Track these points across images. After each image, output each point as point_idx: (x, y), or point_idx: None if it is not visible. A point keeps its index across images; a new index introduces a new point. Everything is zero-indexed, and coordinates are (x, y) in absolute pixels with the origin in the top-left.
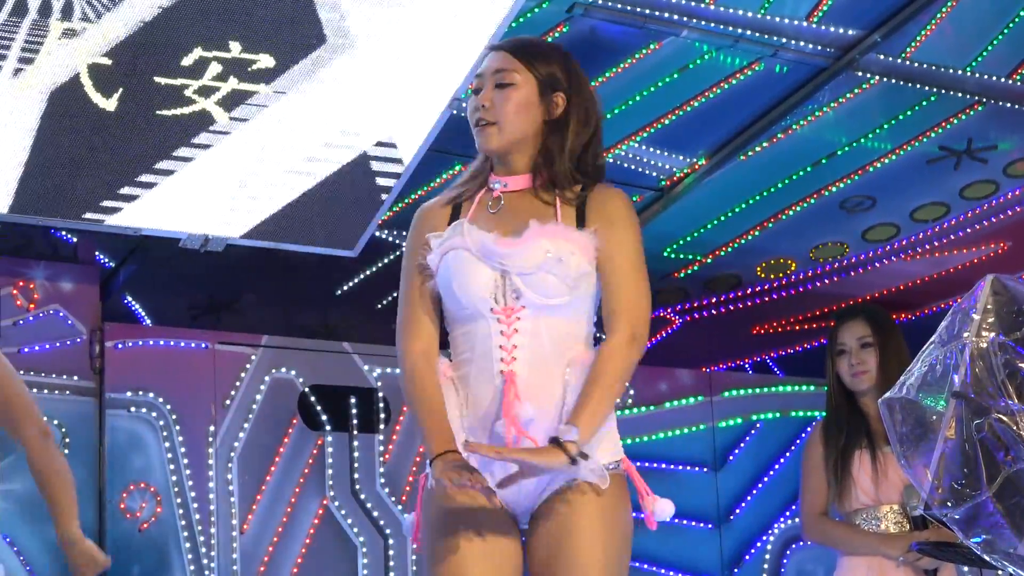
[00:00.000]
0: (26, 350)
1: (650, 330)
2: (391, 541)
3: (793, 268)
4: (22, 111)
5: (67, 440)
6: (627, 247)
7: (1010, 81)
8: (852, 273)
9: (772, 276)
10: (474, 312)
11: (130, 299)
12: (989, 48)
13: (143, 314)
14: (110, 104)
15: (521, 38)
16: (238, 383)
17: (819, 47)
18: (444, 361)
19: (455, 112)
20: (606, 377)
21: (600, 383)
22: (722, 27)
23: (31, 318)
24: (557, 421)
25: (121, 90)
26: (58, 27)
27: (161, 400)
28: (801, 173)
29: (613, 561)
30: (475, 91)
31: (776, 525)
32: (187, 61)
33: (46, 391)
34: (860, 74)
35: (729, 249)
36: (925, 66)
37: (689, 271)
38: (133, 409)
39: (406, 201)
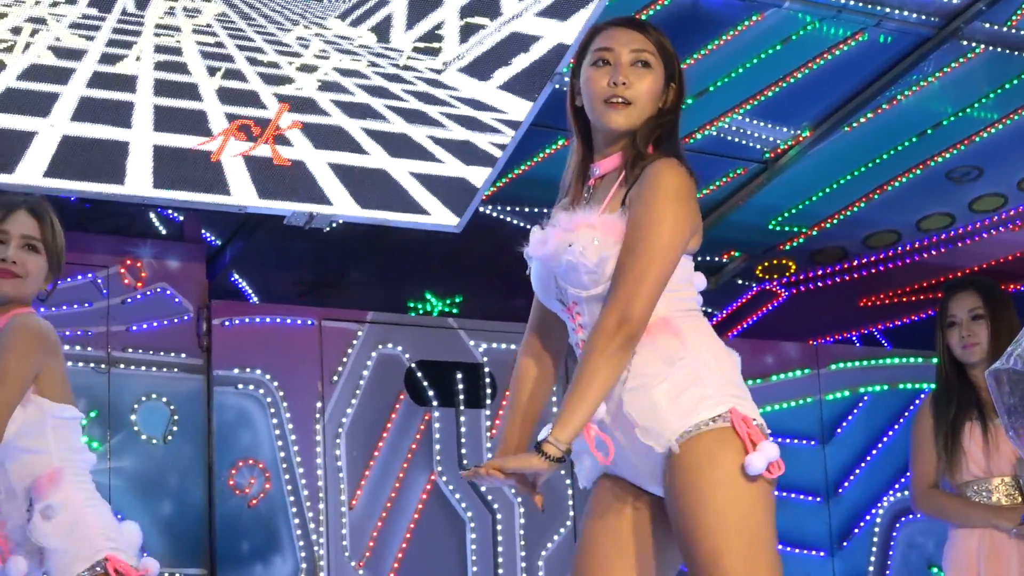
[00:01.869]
0: (134, 328)
1: (756, 303)
2: (499, 516)
3: (900, 239)
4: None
5: (176, 418)
6: (641, 221)
7: None
8: (959, 244)
9: (878, 248)
10: (560, 315)
11: (237, 277)
12: None
13: (250, 292)
14: (214, 83)
15: (643, 20)
16: (345, 359)
17: (923, 16)
18: None
19: (557, 87)
20: (586, 367)
21: (580, 375)
22: None
23: (139, 296)
24: (620, 406)
25: (224, 67)
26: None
27: (268, 377)
28: (906, 144)
29: (723, 516)
30: (598, 63)
31: (885, 498)
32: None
33: (154, 368)
34: (965, 43)
35: (834, 221)
36: None
37: (794, 243)
38: (241, 386)
39: (509, 176)
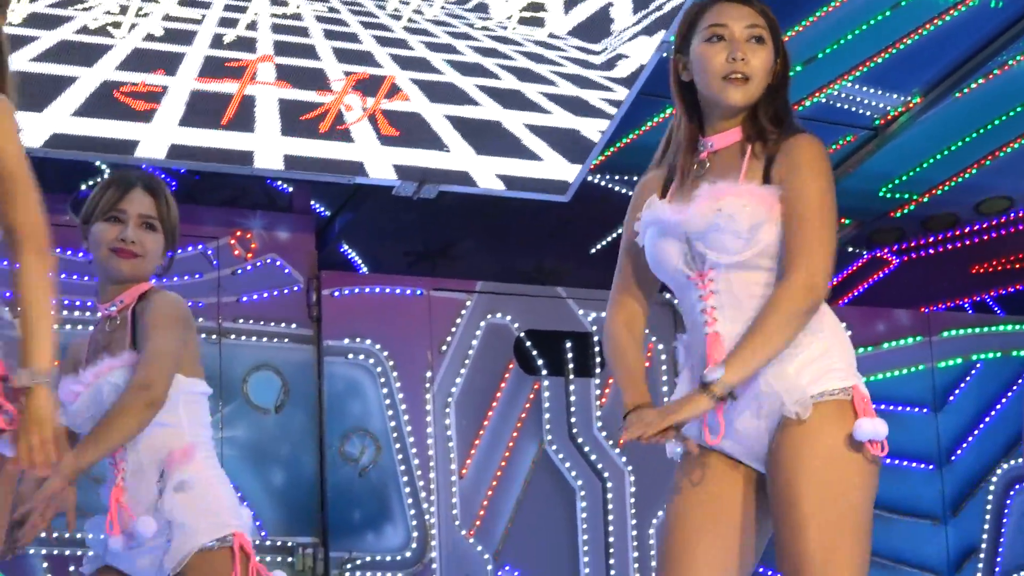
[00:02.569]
0: (245, 299)
1: (868, 270)
2: (609, 484)
3: (1012, 205)
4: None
5: (287, 388)
6: (807, 193)
7: None
8: None
9: (990, 214)
10: (677, 283)
11: (346, 247)
12: None
13: (359, 262)
14: (331, 44)
15: None
16: (454, 329)
17: None
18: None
19: (664, 55)
20: (771, 319)
21: (763, 325)
22: None
23: (249, 267)
24: (756, 377)
25: (339, 29)
26: None
27: (378, 347)
28: (1018, 109)
29: (821, 485)
30: (712, 39)
31: (998, 466)
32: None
33: (265, 339)
34: None
35: (946, 187)
36: None
37: (905, 210)
38: (351, 356)
39: (617, 146)
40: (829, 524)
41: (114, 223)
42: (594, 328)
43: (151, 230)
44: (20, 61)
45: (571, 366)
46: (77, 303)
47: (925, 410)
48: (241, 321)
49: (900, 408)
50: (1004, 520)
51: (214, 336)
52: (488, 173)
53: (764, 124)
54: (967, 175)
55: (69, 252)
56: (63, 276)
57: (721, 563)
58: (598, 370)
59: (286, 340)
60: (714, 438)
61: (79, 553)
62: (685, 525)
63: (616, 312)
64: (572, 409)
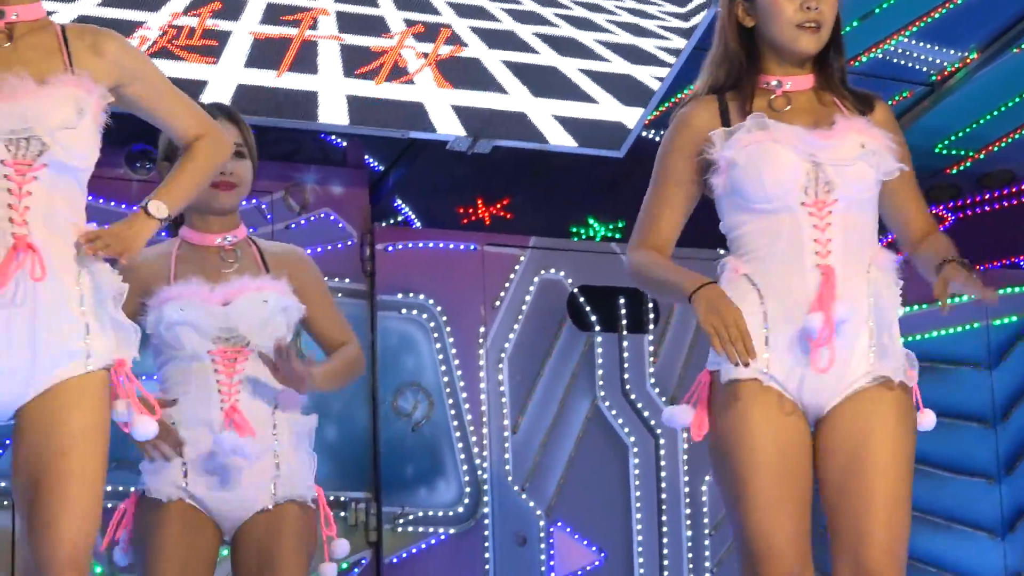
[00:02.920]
0: None
1: None
2: (662, 441)
3: None
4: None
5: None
6: (908, 159)
7: None
8: None
9: None
10: (780, 206)
11: (400, 202)
12: None
13: (413, 217)
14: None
15: None
16: (507, 284)
17: None
18: (731, 258)
19: (720, 10)
20: (944, 239)
21: (943, 240)
22: None
23: (303, 222)
24: (862, 325)
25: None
26: None
27: (431, 302)
28: None
29: (909, 460)
30: None
31: None
32: None
33: None
34: None
35: (1003, 144)
36: None
37: (961, 167)
38: (404, 311)
39: (671, 101)
40: (902, 498)
41: None
42: None
43: (241, 158)
44: (88, 6)
45: (624, 322)
46: None
47: (980, 368)
48: None
49: (955, 366)
50: None
51: None
52: (546, 115)
53: (835, 75)
54: None
55: (124, 206)
56: None
57: (805, 504)
58: (651, 326)
59: (339, 295)
60: (824, 365)
61: None
62: (771, 461)
63: (649, 236)
64: (625, 365)
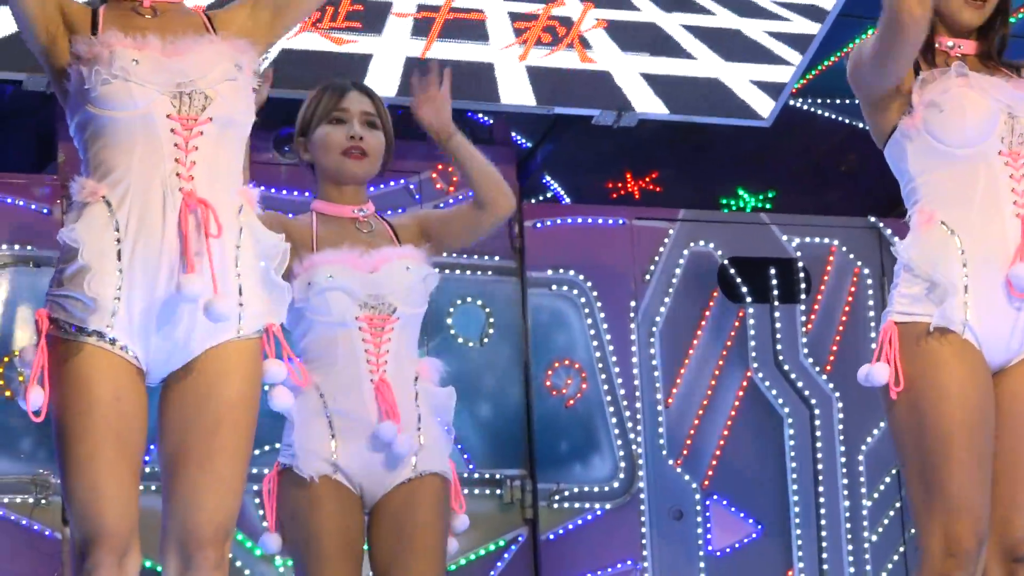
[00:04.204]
0: None
1: None
2: (817, 411)
3: None
4: None
5: (491, 320)
6: None
7: None
8: None
9: None
10: (977, 152)
11: (548, 178)
12: None
13: (561, 192)
14: None
15: None
16: (657, 258)
17: None
18: (922, 204)
19: None
20: None
21: None
22: None
23: (451, 200)
24: None
25: None
26: None
27: (581, 277)
28: None
29: None
30: None
31: None
32: None
33: (468, 272)
34: None
35: None
36: None
37: None
38: (554, 287)
39: (818, 68)
40: None
41: (338, 124)
42: (799, 254)
43: (373, 128)
44: None
45: (776, 292)
46: None
47: None
48: (444, 254)
49: None
50: None
51: None
52: (743, 80)
53: (996, 43)
54: None
55: (273, 190)
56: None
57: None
58: (803, 296)
59: (489, 273)
60: (1021, 291)
61: None
62: (976, 419)
63: None
64: (778, 336)
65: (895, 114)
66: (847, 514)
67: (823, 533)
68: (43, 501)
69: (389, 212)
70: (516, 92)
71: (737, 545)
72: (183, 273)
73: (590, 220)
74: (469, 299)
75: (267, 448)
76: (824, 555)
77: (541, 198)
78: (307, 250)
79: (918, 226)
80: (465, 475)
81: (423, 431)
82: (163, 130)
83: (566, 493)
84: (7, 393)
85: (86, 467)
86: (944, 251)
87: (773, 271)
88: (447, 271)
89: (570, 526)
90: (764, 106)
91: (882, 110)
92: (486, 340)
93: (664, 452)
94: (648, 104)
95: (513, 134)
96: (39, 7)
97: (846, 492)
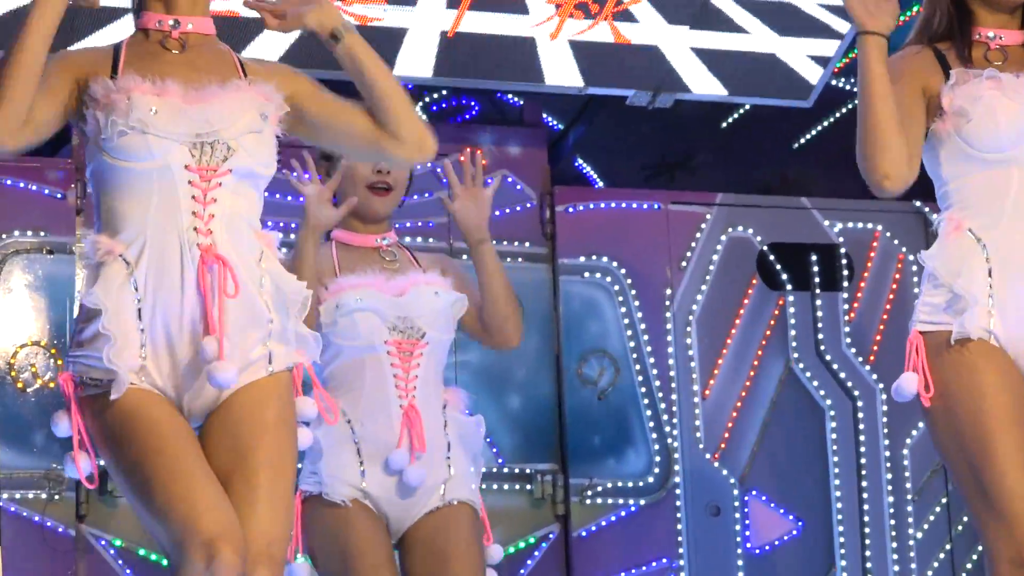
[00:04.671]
0: None
1: None
2: (860, 403)
3: None
4: None
5: (522, 308)
6: None
7: None
8: None
9: None
10: (1010, 157)
11: (580, 161)
12: None
13: (594, 176)
14: None
15: None
16: (693, 244)
17: None
18: (952, 212)
19: None
20: None
21: None
22: None
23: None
24: None
25: None
26: None
27: (615, 264)
28: None
29: None
30: None
31: None
32: None
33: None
34: None
35: None
36: None
37: None
38: (587, 274)
39: None
40: None
41: None
42: (841, 239)
43: None
44: None
45: (817, 280)
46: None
47: None
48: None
49: None
50: None
51: None
52: (800, 55)
53: None
54: None
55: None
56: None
57: None
58: (846, 283)
59: (519, 259)
60: None
61: None
62: (1015, 420)
63: None
64: (819, 325)
65: (928, 117)
66: (891, 510)
67: (866, 530)
68: (56, 497)
69: (415, 197)
70: (559, 71)
71: (777, 542)
72: (205, 335)
73: (624, 204)
74: None
75: None
76: (867, 553)
77: (573, 182)
78: (330, 276)
79: (946, 235)
80: (495, 470)
81: (452, 460)
82: (180, 182)
83: (599, 488)
84: (19, 385)
85: (173, 477)
86: (969, 261)
87: (814, 257)
88: None
89: (603, 523)
90: (806, 86)
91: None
92: None
93: (701, 446)
94: (702, 83)
95: (544, 115)
96: (59, 105)
97: (890, 487)
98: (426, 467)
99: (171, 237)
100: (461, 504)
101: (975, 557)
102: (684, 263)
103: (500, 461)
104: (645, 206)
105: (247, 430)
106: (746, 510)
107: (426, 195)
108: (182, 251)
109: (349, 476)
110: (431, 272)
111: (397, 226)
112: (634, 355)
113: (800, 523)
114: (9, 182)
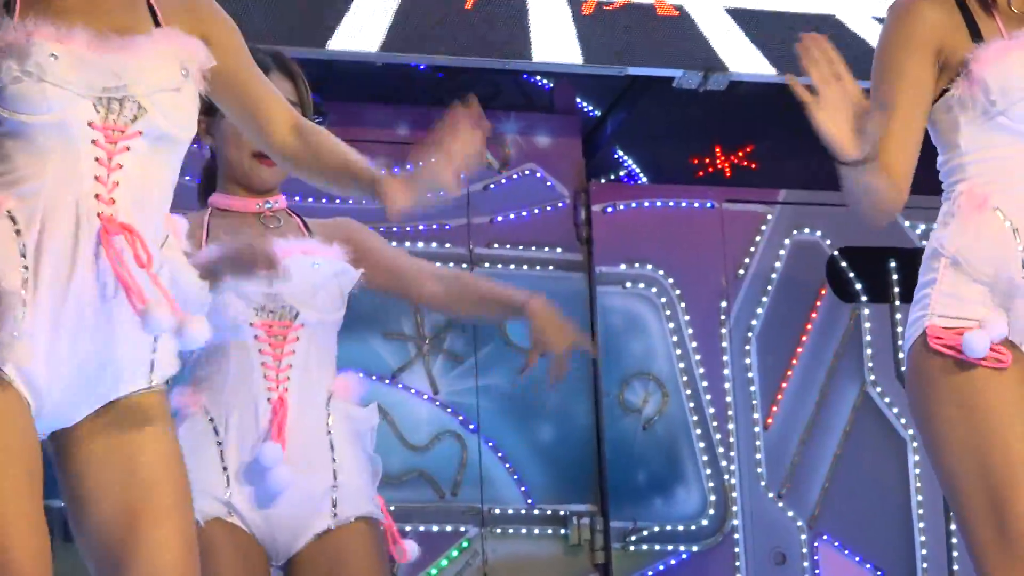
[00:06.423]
0: (499, 219)
1: None
2: None
3: None
4: None
5: None
6: None
7: None
8: None
9: None
10: None
11: (621, 153)
12: None
13: (637, 170)
14: None
15: None
16: (752, 249)
17: None
18: (970, 184)
19: None
20: None
21: None
22: None
23: (503, 181)
24: None
25: None
26: None
27: (662, 273)
28: None
29: None
30: None
31: None
32: None
33: (525, 267)
34: None
35: None
36: None
37: None
38: (629, 285)
39: None
40: None
41: None
42: (924, 243)
43: None
44: None
45: (896, 290)
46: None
47: None
48: (496, 246)
49: None
50: None
51: (464, 265)
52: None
53: None
54: None
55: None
56: None
57: None
58: None
59: (550, 267)
60: None
61: None
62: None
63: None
64: (899, 342)
65: (942, 81)
66: None
67: None
68: None
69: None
70: (593, 49)
71: None
72: (141, 309)
73: (671, 203)
74: None
75: None
76: None
77: (612, 177)
78: (196, 247)
79: (968, 212)
80: (524, 512)
81: (339, 465)
82: (82, 141)
83: (644, 533)
84: None
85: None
86: (997, 240)
87: (893, 264)
88: (499, 265)
89: (649, 573)
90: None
91: (940, 74)
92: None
93: (763, 483)
94: (744, 60)
95: (578, 100)
96: None
97: None
98: (304, 474)
99: (67, 204)
100: (358, 522)
101: None
102: (742, 271)
103: (530, 501)
104: (696, 205)
105: (139, 476)
106: (816, 558)
107: (442, 192)
108: (78, 221)
109: (210, 486)
110: (316, 240)
111: (409, 229)
112: (684, 378)
113: (880, 573)
114: None
